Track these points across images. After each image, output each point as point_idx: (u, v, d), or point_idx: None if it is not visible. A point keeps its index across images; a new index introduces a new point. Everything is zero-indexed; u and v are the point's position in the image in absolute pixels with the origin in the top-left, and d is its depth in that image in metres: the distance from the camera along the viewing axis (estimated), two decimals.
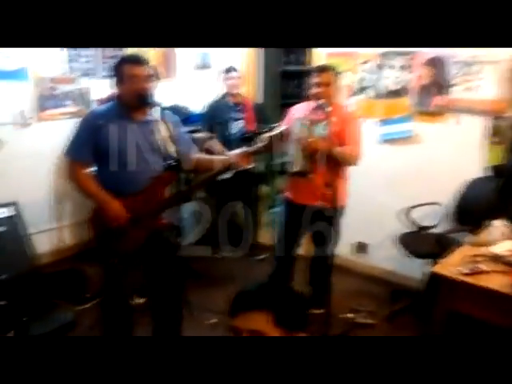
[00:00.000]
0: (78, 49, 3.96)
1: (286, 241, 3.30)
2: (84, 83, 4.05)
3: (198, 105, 4.78)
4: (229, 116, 4.14)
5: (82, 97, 4.04)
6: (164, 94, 4.61)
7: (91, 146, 2.40)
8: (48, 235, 3.92)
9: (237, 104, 4.18)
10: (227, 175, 4.05)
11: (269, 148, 2.72)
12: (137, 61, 2.39)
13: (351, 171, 3.12)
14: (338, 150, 2.86)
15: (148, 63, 2.43)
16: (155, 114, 2.48)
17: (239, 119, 4.15)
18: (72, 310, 3.25)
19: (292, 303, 1.31)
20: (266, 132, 2.91)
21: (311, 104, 3.02)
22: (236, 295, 1.34)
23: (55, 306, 3.18)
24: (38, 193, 3.85)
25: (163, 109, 2.30)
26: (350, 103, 3.86)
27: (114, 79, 2.41)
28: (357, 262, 4.13)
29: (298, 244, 3.34)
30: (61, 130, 3.78)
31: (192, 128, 4.35)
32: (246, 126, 4.11)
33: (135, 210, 2.43)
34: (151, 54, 4.52)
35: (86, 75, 4.04)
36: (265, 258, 4.34)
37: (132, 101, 2.37)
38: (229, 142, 3.92)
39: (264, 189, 4.65)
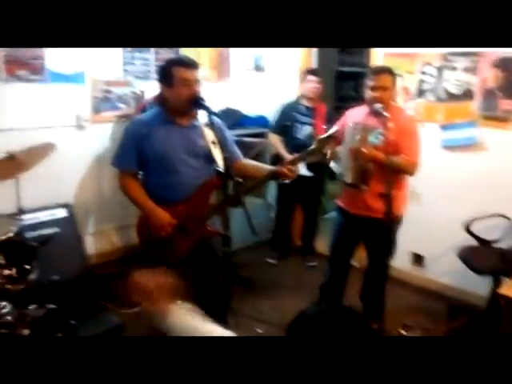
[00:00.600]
0: (133, 52, 3.99)
1: (339, 251, 3.18)
2: (138, 86, 4.08)
3: (250, 108, 4.73)
4: (298, 119, 4.06)
5: (135, 100, 4.07)
6: (217, 96, 4.62)
7: (136, 155, 2.39)
8: (99, 237, 3.97)
9: (309, 108, 4.07)
10: (286, 181, 4.03)
11: (318, 152, 2.60)
12: (189, 64, 2.35)
13: (409, 178, 2.95)
14: (393, 160, 2.69)
15: (198, 67, 2.38)
16: (201, 118, 2.44)
17: (308, 124, 4.04)
18: (120, 313, 3.26)
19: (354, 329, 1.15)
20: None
21: (366, 109, 2.88)
22: (295, 320, 1.22)
23: (104, 309, 3.21)
24: (90, 194, 3.90)
25: (212, 113, 2.22)
26: (408, 107, 3.68)
27: (162, 82, 2.37)
28: (412, 275, 3.93)
29: (352, 254, 3.21)
30: (114, 133, 3.87)
31: (243, 131, 4.32)
32: (315, 131, 3.96)
33: (181, 218, 2.39)
34: (204, 56, 4.51)
35: (140, 78, 4.06)
36: (316, 265, 4.24)
37: (182, 105, 2.33)
38: (293, 146, 3.87)
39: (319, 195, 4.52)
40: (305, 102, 4.07)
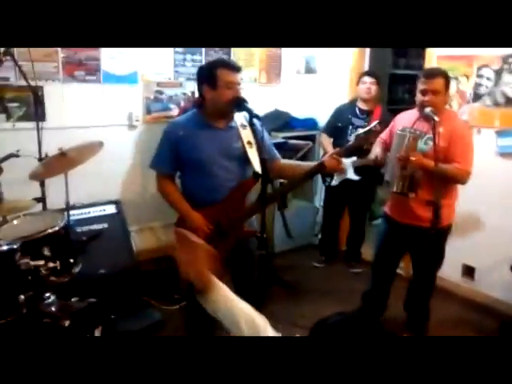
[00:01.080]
0: (184, 53, 4.07)
1: (384, 259, 3.09)
2: (189, 87, 4.15)
3: (300, 110, 4.70)
4: (351, 122, 3.95)
5: (186, 101, 4.14)
6: (266, 98, 4.63)
7: (174, 158, 2.42)
8: (146, 234, 4.06)
9: (364, 111, 3.95)
10: (334, 182, 3.98)
11: (357, 148, 2.53)
12: (234, 67, 2.36)
13: (461, 187, 2.83)
14: (443, 167, 2.59)
15: (241, 70, 2.39)
16: (238, 120, 2.44)
17: (362, 126, 3.86)
18: (163, 309, 3.33)
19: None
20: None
21: (417, 113, 2.78)
22: (316, 325, 1.20)
23: (147, 305, 3.28)
24: (139, 192, 4.00)
25: (253, 115, 2.21)
26: (463, 112, 3.53)
27: (205, 84, 2.37)
28: (462, 287, 3.77)
29: (397, 263, 3.11)
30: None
31: (292, 134, 4.30)
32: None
33: (218, 219, 2.39)
34: (255, 58, 4.53)
35: (190, 79, 4.13)
36: (362, 272, 4.15)
37: (224, 107, 2.33)
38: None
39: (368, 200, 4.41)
40: (360, 105, 3.97)
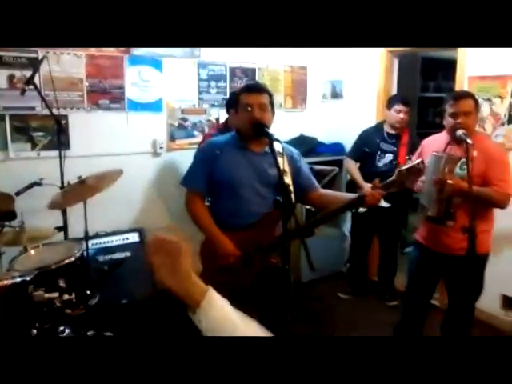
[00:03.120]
0: (209, 80, 4.05)
1: (417, 289, 2.91)
2: (213, 114, 4.12)
3: (327, 135, 4.61)
4: (380, 146, 3.79)
5: (210, 127, 4.10)
6: (292, 123, 4.57)
7: (206, 177, 2.34)
8: None
9: (392, 135, 3.79)
10: (363, 209, 3.81)
11: (398, 184, 2.41)
12: (252, 89, 2.30)
13: (499, 212, 2.66)
14: (482, 190, 2.46)
15: (266, 92, 2.31)
16: (275, 146, 2.34)
17: (390, 152, 3.76)
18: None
19: None
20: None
21: (446, 137, 2.65)
22: None
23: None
24: (163, 220, 3.94)
25: (274, 140, 2.12)
26: (497, 134, 3.36)
27: (231, 108, 2.35)
28: (503, 320, 3.52)
29: (431, 294, 2.92)
30: (187, 160, 3.91)
31: (318, 159, 4.20)
32: (397, 159, 3.67)
33: (245, 246, 2.29)
34: (281, 83, 4.48)
35: (215, 106, 4.11)
36: (398, 304, 3.92)
37: (246, 130, 2.27)
38: (371, 174, 3.56)
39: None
40: (388, 129, 3.83)
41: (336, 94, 4.71)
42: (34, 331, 1.94)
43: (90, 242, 3.48)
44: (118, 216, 3.73)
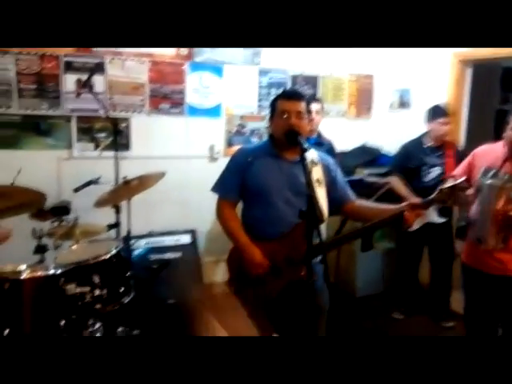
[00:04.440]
0: (269, 88, 4.05)
1: (475, 312, 2.70)
2: None
3: (391, 146, 4.43)
4: (424, 160, 3.59)
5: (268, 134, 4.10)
6: (356, 132, 4.44)
7: (238, 183, 2.33)
8: (222, 265, 4.02)
9: (436, 148, 3.59)
10: (415, 227, 3.60)
11: (440, 202, 2.26)
12: (289, 95, 2.26)
13: None
14: None
15: (303, 99, 2.26)
16: (310, 154, 2.29)
17: (437, 165, 3.55)
18: None
19: None
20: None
21: (504, 151, 2.43)
22: None
23: None
24: (215, 224, 3.99)
25: (304, 150, 2.06)
26: None
27: (270, 114, 2.33)
28: None
29: (489, 317, 2.70)
30: None
31: (378, 171, 4.03)
32: (446, 172, 3.42)
33: (275, 256, 2.25)
34: (345, 91, 4.38)
35: None
36: (454, 326, 3.68)
37: (281, 137, 2.23)
38: (420, 190, 3.32)
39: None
40: (430, 142, 3.60)
41: (404, 103, 4.52)
42: (63, 323, 2.03)
43: (145, 241, 3.63)
44: (174, 217, 3.84)
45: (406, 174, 3.62)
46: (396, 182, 3.66)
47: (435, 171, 3.53)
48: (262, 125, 4.10)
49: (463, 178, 2.15)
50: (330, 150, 3.33)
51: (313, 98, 3.57)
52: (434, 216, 3.42)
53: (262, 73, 4.04)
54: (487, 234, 2.41)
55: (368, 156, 4.22)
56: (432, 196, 2.21)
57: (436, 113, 3.55)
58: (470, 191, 2.52)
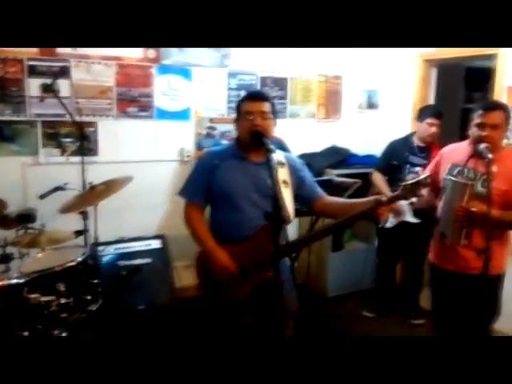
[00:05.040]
0: (239, 90, 4.05)
1: (441, 310, 2.75)
2: None
3: (360, 147, 4.48)
4: (408, 159, 3.62)
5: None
6: (326, 133, 4.47)
7: (205, 187, 2.31)
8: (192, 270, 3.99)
9: (422, 148, 3.62)
10: (389, 225, 3.65)
11: (404, 198, 2.28)
12: (253, 97, 2.27)
13: None
14: (505, 216, 2.33)
15: (267, 100, 2.26)
16: (277, 156, 2.29)
17: (419, 165, 3.57)
18: None
19: None
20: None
21: (468, 149, 2.49)
22: None
23: None
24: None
25: (270, 150, 2.06)
26: None
27: (236, 116, 2.32)
28: None
29: (455, 315, 2.74)
30: None
31: (348, 171, 4.06)
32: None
33: (243, 259, 2.24)
34: (314, 92, 4.40)
35: None
36: (424, 323, 3.73)
37: (246, 138, 2.23)
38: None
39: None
40: (417, 141, 3.66)
41: (372, 104, 4.57)
42: (26, 333, 1.98)
43: (114, 247, 3.57)
44: (144, 222, 3.79)
45: (390, 171, 3.67)
46: (377, 179, 3.71)
47: (417, 171, 3.57)
48: (232, 127, 4.08)
49: (426, 175, 2.18)
50: (281, 148, 3.33)
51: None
52: (408, 216, 3.51)
53: (231, 75, 4.03)
54: (450, 229, 2.46)
55: (337, 157, 4.25)
56: (396, 192, 2.23)
57: (425, 113, 3.60)
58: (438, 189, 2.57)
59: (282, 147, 3.48)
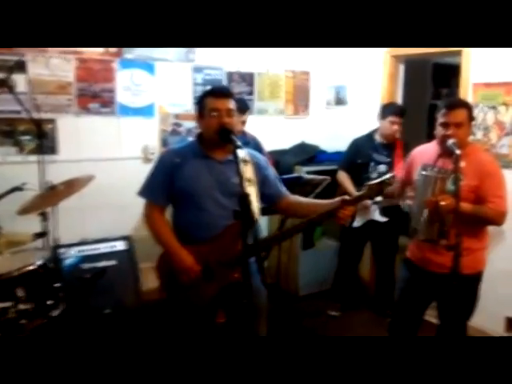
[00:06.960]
0: (204, 85, 3.95)
1: (407, 309, 2.73)
2: None
3: (329, 143, 4.45)
4: (372, 157, 3.61)
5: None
6: (294, 130, 4.43)
7: (166, 187, 2.23)
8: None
9: (385, 145, 3.61)
10: (357, 224, 3.63)
11: (368, 198, 2.26)
12: (219, 93, 2.19)
13: (497, 230, 2.49)
14: (477, 209, 2.32)
15: (232, 97, 2.19)
16: (240, 153, 2.21)
17: (384, 163, 3.58)
18: None
19: None
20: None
21: (436, 148, 2.48)
22: None
23: None
24: None
25: (238, 147, 1.99)
26: (501, 145, 3.17)
27: (198, 114, 2.24)
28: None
29: (422, 313, 2.74)
30: None
31: (317, 168, 4.03)
32: (391, 170, 3.43)
33: (207, 260, 2.17)
34: (282, 88, 4.35)
35: None
36: None
37: (211, 136, 2.15)
38: None
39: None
40: (380, 139, 3.64)
41: (340, 100, 4.55)
42: None
43: (77, 249, 3.42)
44: (108, 223, 3.66)
45: (355, 169, 3.64)
46: (342, 178, 3.68)
47: (381, 168, 3.57)
48: None
49: (390, 175, 2.17)
50: (256, 147, 3.29)
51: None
52: (377, 215, 3.50)
53: (197, 70, 3.93)
54: (420, 224, 2.44)
55: (306, 154, 4.21)
56: (361, 192, 2.21)
57: (387, 111, 3.58)
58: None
59: (257, 145, 3.43)
